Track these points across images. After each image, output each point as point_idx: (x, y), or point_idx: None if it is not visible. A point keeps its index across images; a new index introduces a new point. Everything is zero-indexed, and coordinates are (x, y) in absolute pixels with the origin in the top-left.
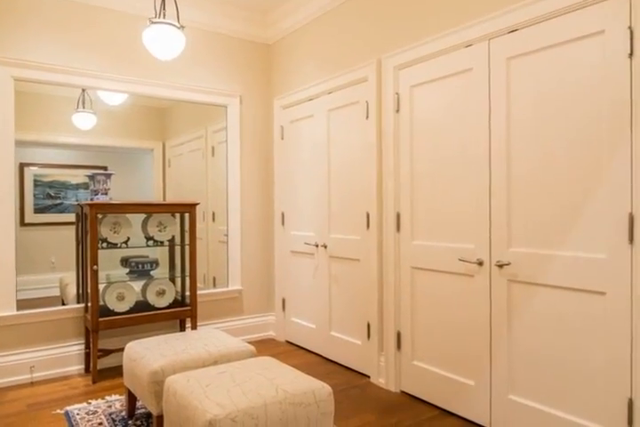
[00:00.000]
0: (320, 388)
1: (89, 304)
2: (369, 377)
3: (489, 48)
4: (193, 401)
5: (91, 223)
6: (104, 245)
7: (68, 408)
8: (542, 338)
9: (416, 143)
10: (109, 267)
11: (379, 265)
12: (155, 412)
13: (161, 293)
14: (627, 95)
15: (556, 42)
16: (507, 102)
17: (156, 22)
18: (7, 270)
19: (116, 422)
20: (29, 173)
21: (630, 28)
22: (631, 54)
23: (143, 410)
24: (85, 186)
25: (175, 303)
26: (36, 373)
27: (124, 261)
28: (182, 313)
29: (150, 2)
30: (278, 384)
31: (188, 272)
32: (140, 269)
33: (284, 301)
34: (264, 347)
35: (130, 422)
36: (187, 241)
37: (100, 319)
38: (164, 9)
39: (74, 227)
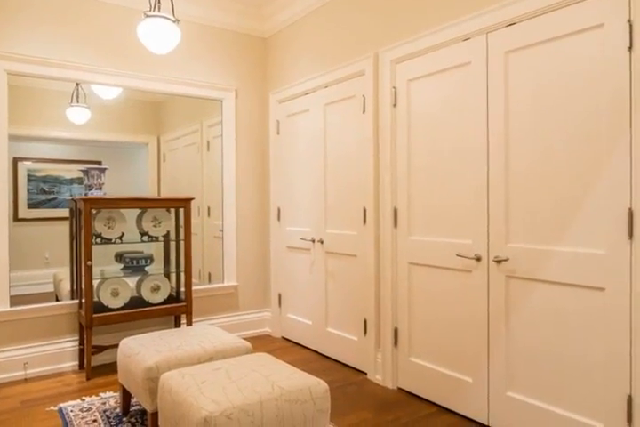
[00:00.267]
0: (316, 384)
1: (83, 300)
2: (366, 374)
3: (487, 41)
4: (188, 398)
5: (85, 218)
6: (98, 240)
7: (62, 405)
8: (541, 334)
9: (413, 138)
10: (104, 262)
11: (375, 261)
12: (149, 409)
13: (156, 288)
14: (626, 89)
15: (554, 35)
16: (505, 96)
17: (150, 16)
18: (0, 266)
19: (111, 419)
20: (23, 167)
21: (630, 21)
22: (630, 48)
23: (138, 407)
24: (79, 181)
25: (170, 299)
26: (29, 369)
27: (119, 257)
28: (177, 309)
29: None
30: (274, 381)
31: (183, 268)
32: (134, 264)
33: (279, 297)
34: (260, 343)
35: (124, 419)
36: (182, 236)
37: (95, 315)
38: (158, 2)
39: (68, 222)
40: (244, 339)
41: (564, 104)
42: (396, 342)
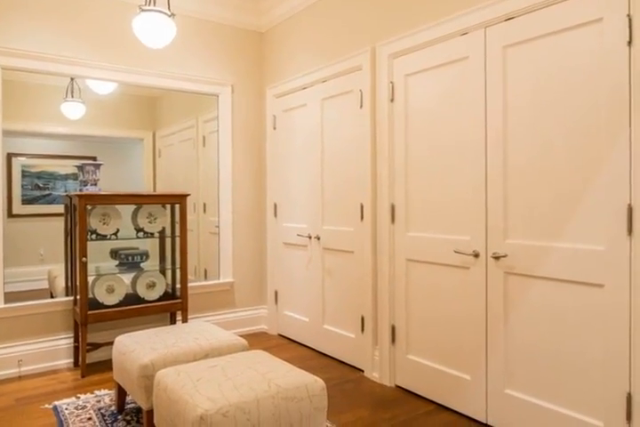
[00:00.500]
0: (313, 382)
1: (78, 297)
2: (363, 371)
3: (485, 36)
4: (184, 396)
5: (80, 214)
6: (93, 236)
7: (57, 403)
8: (539, 331)
9: (411, 133)
10: (99, 259)
11: (373, 257)
12: (145, 407)
13: (151, 285)
14: (625, 83)
15: (553, 30)
16: (503, 91)
17: (146, 10)
18: None
19: (106, 417)
20: (17, 163)
21: (629, 15)
22: (630, 42)
23: (133, 405)
24: (74, 176)
25: (166, 296)
26: (24, 367)
27: (114, 253)
28: (173, 306)
29: None
30: (270, 378)
31: (178, 264)
32: (129, 261)
33: (276, 293)
34: (256, 340)
35: (119, 416)
36: (177, 233)
37: (90, 312)
38: None
39: (62, 218)
40: (241, 336)
41: (562, 99)
42: (393, 340)
